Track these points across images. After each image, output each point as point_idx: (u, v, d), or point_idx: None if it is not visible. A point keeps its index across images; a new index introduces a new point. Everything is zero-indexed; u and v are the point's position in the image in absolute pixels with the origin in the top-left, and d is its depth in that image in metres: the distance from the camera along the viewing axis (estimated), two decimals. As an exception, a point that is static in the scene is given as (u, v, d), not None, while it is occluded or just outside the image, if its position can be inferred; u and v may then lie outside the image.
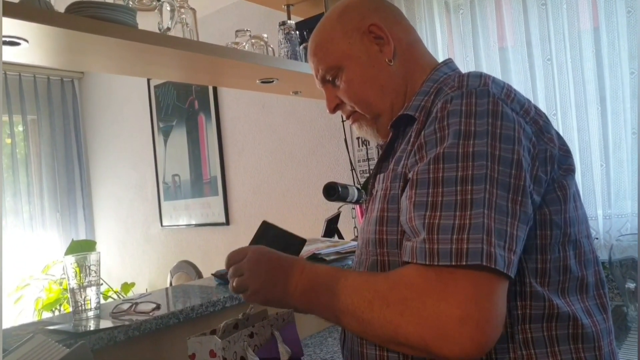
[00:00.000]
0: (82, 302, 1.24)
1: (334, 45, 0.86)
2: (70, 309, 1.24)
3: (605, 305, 0.75)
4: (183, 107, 3.33)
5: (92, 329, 1.15)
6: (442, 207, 0.63)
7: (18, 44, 1.18)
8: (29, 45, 1.21)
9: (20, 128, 3.98)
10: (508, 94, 0.72)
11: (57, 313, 3.40)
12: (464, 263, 0.58)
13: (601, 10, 1.70)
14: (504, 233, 0.61)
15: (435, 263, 0.60)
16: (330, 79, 0.89)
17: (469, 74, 0.75)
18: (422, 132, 0.71)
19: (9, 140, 3.88)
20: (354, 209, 2.21)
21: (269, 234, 0.86)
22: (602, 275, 0.76)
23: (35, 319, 3.33)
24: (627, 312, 1.53)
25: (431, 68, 0.86)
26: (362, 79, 0.85)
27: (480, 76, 0.74)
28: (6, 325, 1.29)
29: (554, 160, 0.71)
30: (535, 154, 0.68)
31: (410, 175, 0.70)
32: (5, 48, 1.21)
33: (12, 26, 1.09)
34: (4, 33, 1.14)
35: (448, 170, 0.64)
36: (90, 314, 1.23)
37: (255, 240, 0.86)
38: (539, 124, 0.72)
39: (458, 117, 0.67)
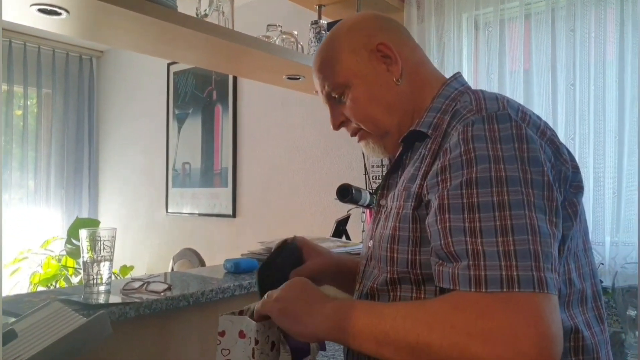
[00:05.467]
0: (95, 276, 1.24)
1: (341, 63, 0.86)
2: (83, 282, 1.25)
3: (603, 317, 0.76)
4: (201, 96, 3.35)
5: (102, 302, 1.16)
6: (483, 233, 0.62)
7: (59, 13, 1.20)
8: (69, 16, 1.22)
9: (34, 101, 4.00)
10: (524, 116, 0.72)
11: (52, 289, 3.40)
12: (517, 290, 0.59)
13: (628, 42, 1.72)
14: (549, 255, 0.62)
15: (483, 290, 0.60)
16: (336, 96, 0.88)
17: (483, 96, 0.75)
18: (446, 156, 0.70)
19: (19, 112, 3.89)
20: (364, 212, 2.22)
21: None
22: (599, 287, 0.78)
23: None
24: (625, 339, 1.53)
25: (440, 84, 0.86)
26: (369, 97, 0.85)
27: (496, 99, 0.74)
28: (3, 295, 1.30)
29: (567, 180, 0.72)
30: (554, 175, 0.69)
31: (431, 197, 0.70)
32: (44, 17, 1.23)
33: (56, -5, 1.11)
34: (45, 1, 1.15)
35: (483, 195, 0.64)
36: (102, 288, 1.24)
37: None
38: (555, 144, 0.73)
39: (484, 142, 0.67)
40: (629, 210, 1.73)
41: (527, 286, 0.59)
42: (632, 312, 1.53)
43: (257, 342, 0.77)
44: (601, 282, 0.82)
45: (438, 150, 0.74)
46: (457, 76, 0.88)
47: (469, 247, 0.62)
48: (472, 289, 0.61)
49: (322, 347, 0.82)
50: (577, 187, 0.74)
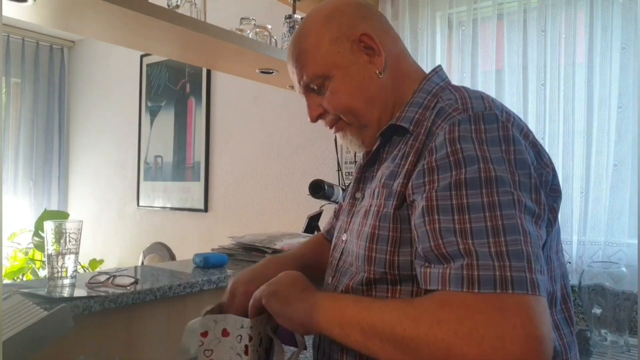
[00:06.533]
0: (59, 269, 1.22)
1: (321, 53, 0.82)
2: (47, 275, 1.22)
3: (572, 318, 0.77)
4: (174, 89, 3.30)
5: (66, 296, 1.13)
6: (474, 234, 0.61)
7: (25, 0, 1.16)
8: (35, 3, 1.19)
9: (2, 90, 3.88)
10: (508, 117, 0.72)
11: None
12: (510, 291, 0.58)
13: (597, 44, 1.76)
14: (539, 257, 0.61)
15: (476, 290, 0.58)
16: (315, 87, 0.85)
17: (469, 94, 0.75)
18: (432, 156, 0.69)
19: (-14, 101, 3.78)
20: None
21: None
22: (569, 289, 0.78)
23: (-4, 286, 3.24)
24: (591, 337, 1.58)
25: (421, 78, 0.85)
26: (350, 89, 0.82)
27: (482, 97, 0.73)
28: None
29: (547, 184, 0.72)
30: (535, 178, 0.69)
31: (416, 197, 0.69)
32: (9, 3, 1.19)
33: (21, -19, 1.08)
34: (10, -13, 1.12)
35: (472, 196, 0.63)
36: (66, 281, 1.21)
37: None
38: (538, 147, 0.73)
39: (471, 143, 0.66)
40: (596, 210, 1.77)
41: (520, 288, 0.58)
42: (597, 311, 1.57)
43: (250, 338, 0.75)
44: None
45: (422, 148, 0.72)
46: (438, 70, 0.86)
47: (461, 247, 0.61)
48: (464, 289, 0.59)
49: (304, 346, 0.80)
50: (555, 190, 0.74)
